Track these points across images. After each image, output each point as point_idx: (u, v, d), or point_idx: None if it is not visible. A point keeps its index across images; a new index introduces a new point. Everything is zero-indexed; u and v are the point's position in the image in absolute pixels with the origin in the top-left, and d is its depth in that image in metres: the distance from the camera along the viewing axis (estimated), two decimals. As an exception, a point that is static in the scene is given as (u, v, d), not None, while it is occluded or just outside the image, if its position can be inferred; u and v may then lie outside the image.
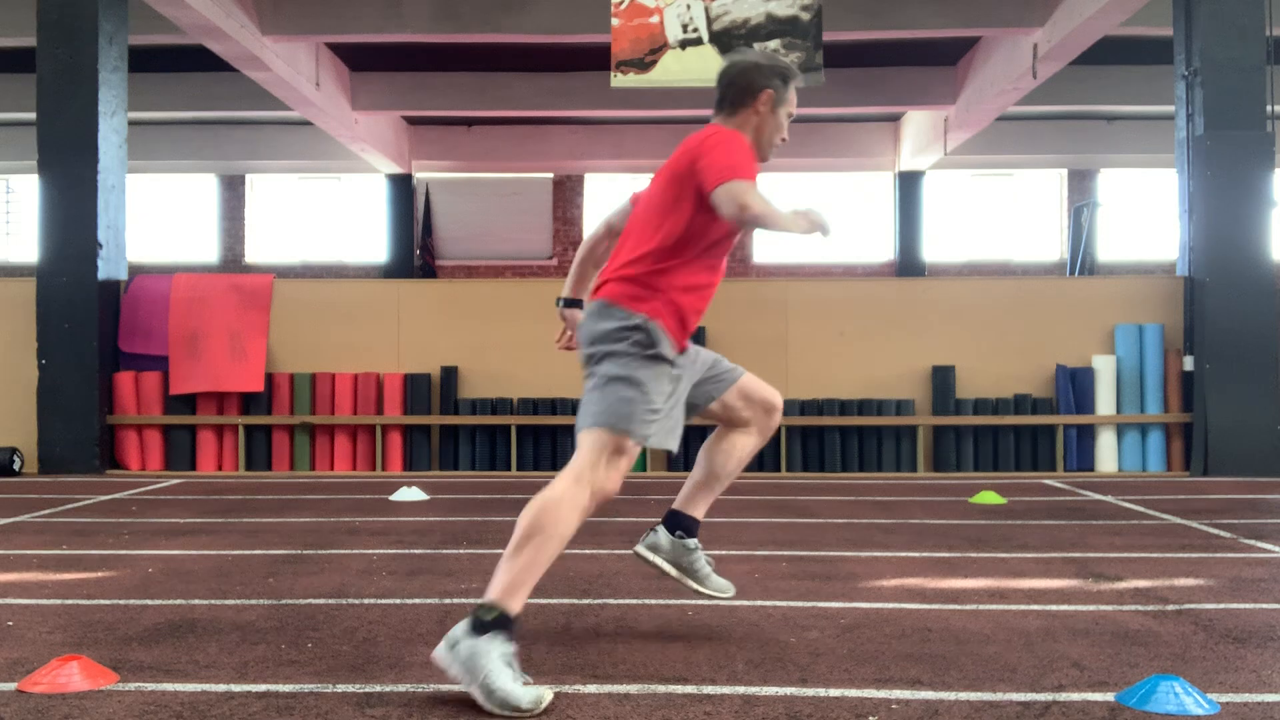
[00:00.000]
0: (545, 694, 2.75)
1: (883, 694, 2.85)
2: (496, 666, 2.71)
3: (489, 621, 2.75)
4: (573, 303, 3.59)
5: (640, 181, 19.07)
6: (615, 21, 9.75)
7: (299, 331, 9.15)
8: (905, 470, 8.85)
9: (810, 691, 2.87)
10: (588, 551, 5.03)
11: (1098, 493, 7.38)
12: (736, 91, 3.38)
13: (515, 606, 2.82)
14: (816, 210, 3.04)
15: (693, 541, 3.46)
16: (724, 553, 4.93)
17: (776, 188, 18.71)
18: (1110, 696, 2.82)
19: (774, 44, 9.67)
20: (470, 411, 8.89)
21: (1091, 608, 3.86)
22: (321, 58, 12.91)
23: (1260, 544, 5.21)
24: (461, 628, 2.77)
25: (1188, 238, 8.84)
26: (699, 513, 3.51)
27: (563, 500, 2.95)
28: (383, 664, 3.15)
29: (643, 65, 9.68)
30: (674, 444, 3.21)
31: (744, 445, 3.49)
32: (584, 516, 2.99)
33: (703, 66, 9.69)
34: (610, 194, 18.97)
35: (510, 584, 2.84)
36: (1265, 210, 8.52)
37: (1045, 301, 9.14)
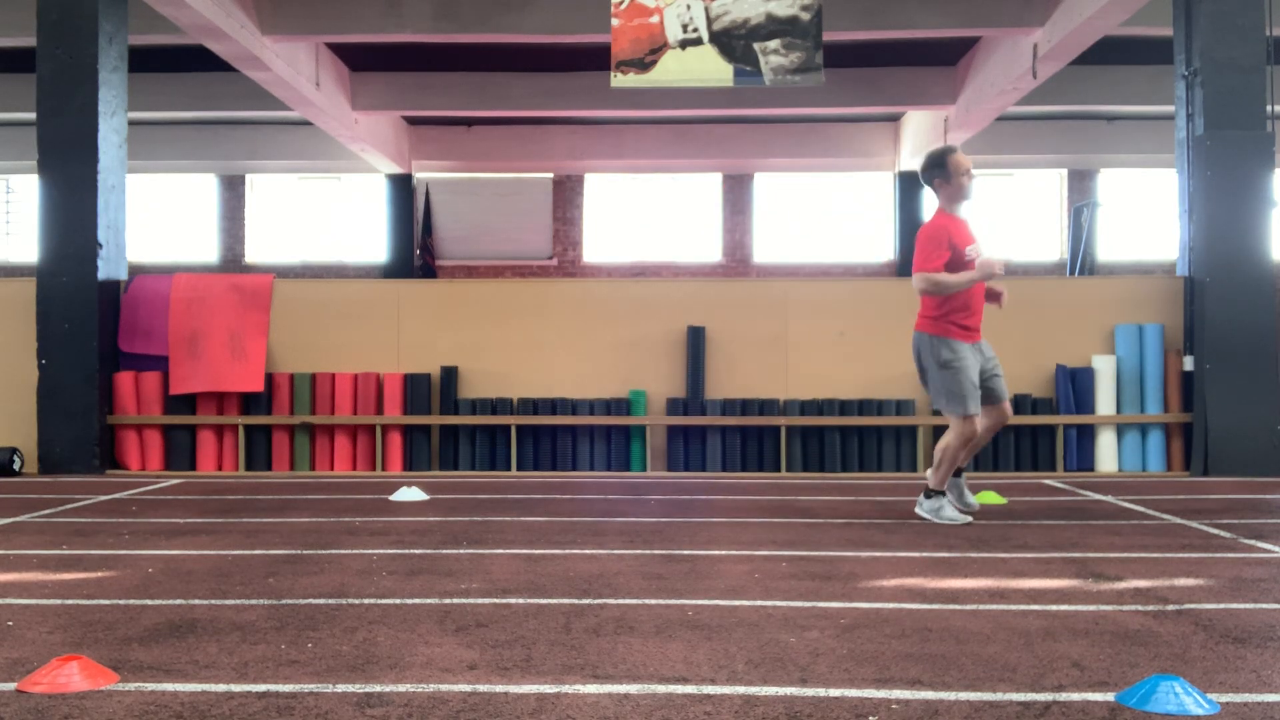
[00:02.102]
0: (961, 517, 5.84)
1: (883, 694, 2.85)
2: (948, 509, 5.83)
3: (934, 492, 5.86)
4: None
5: (641, 181, 19.14)
6: (615, 21, 9.75)
7: (299, 331, 9.15)
8: (905, 470, 8.85)
9: (810, 691, 2.87)
10: (588, 552, 5.03)
11: (1098, 493, 7.38)
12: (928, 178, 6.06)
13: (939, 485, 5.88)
14: (992, 260, 5.61)
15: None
16: (724, 553, 4.93)
17: (777, 188, 18.73)
18: (1110, 696, 2.82)
19: (774, 43, 9.68)
20: (470, 411, 8.89)
21: (1091, 608, 3.86)
22: (321, 58, 12.92)
23: (1260, 544, 5.21)
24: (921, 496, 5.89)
25: (1188, 238, 8.84)
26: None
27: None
28: (383, 664, 3.15)
29: (643, 65, 9.68)
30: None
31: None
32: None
33: (703, 66, 9.69)
34: (610, 194, 18.97)
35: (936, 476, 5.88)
36: (1265, 210, 8.52)
37: (1045, 301, 9.14)
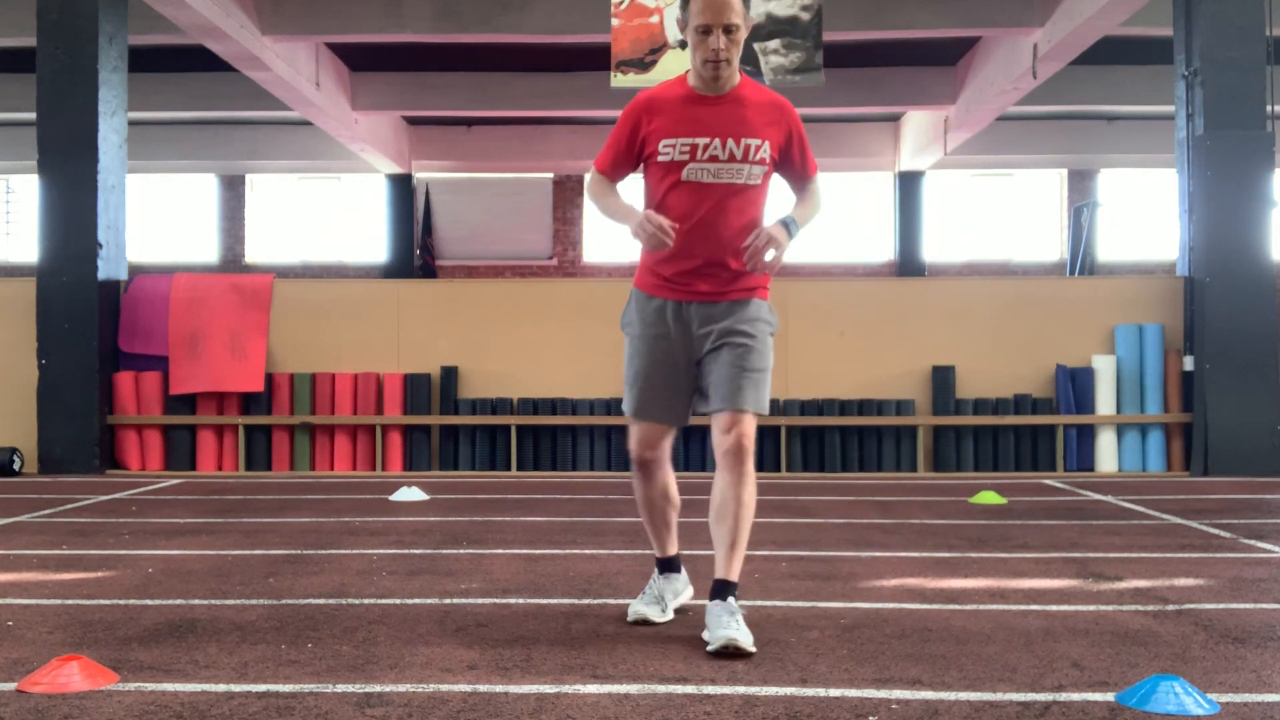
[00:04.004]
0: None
1: (883, 694, 2.85)
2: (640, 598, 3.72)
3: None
4: None
5: (640, 182, 19.03)
6: (615, 21, 9.76)
7: (299, 331, 9.15)
8: (905, 470, 8.85)
9: (810, 691, 2.87)
10: (588, 552, 5.03)
11: (1098, 493, 7.38)
12: None
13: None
14: (648, 222, 3.27)
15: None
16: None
17: (777, 188, 18.69)
18: (1110, 696, 2.82)
19: (774, 44, 9.68)
20: (470, 411, 8.89)
21: (1091, 608, 3.86)
22: (321, 58, 12.91)
23: (1260, 544, 5.21)
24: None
25: (1188, 238, 8.84)
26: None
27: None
28: (383, 664, 3.15)
29: (643, 65, 9.69)
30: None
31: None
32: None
33: (703, 66, 9.69)
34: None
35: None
36: (1265, 210, 8.52)
37: (1045, 301, 9.14)
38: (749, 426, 3.34)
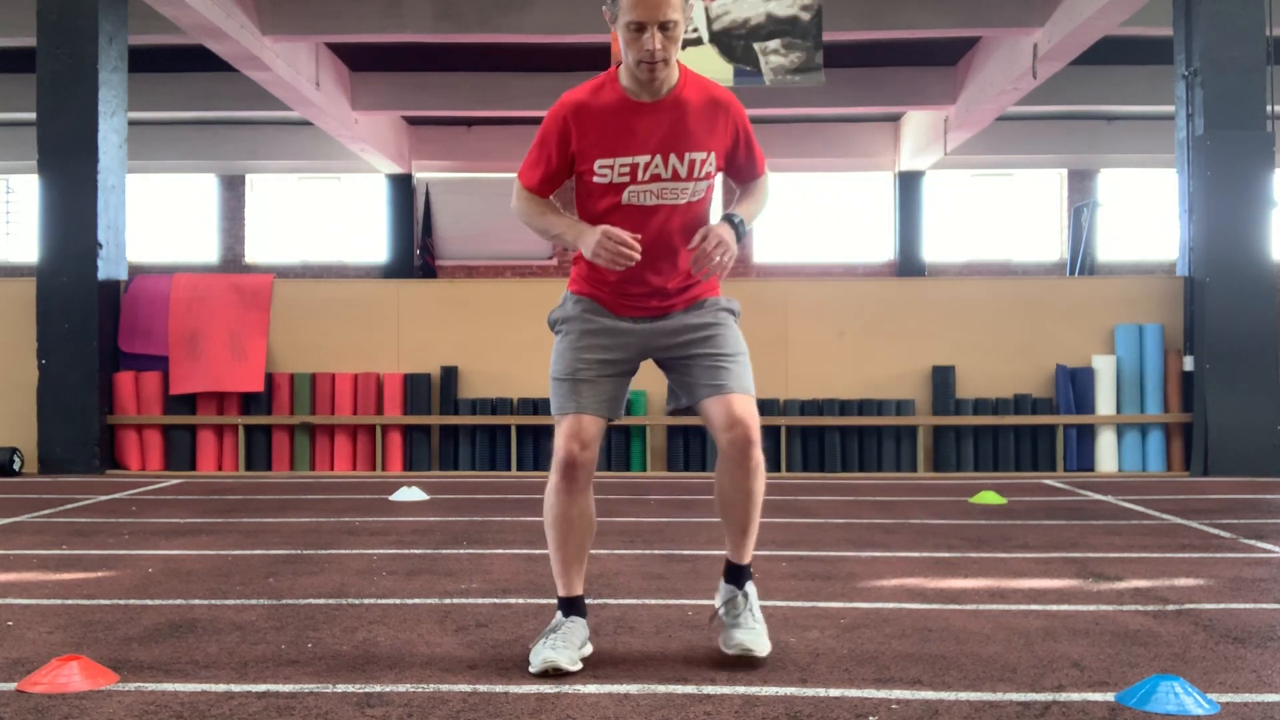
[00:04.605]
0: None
1: (883, 694, 2.85)
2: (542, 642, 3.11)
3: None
4: None
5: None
6: (615, 21, 9.75)
7: (299, 331, 9.15)
8: (905, 470, 8.85)
9: (810, 691, 2.87)
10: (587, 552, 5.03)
11: (1098, 493, 7.38)
12: None
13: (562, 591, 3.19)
14: (608, 238, 2.90)
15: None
16: (724, 553, 4.92)
17: (777, 188, 18.70)
18: (1110, 696, 2.82)
19: (774, 44, 9.67)
20: (470, 411, 8.89)
21: (1091, 608, 3.86)
22: (321, 58, 12.91)
23: (1260, 544, 5.21)
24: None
25: (1188, 238, 8.84)
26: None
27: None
28: (383, 664, 3.15)
29: (643, 65, 9.68)
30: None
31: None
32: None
33: (703, 66, 9.68)
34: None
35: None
36: (1265, 210, 8.52)
37: (1045, 301, 9.14)
38: (746, 412, 3.01)
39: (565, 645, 3.03)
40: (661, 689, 2.89)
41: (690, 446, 8.86)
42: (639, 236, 2.95)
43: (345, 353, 9.12)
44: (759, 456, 3.04)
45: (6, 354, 8.96)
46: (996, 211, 18.50)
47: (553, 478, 3.07)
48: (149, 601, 3.98)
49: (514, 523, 5.99)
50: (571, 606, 3.14)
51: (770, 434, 8.83)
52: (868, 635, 3.45)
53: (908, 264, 17.37)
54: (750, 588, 3.21)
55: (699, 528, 5.75)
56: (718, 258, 2.94)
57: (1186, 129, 8.80)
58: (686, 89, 2.99)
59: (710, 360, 3.08)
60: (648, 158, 2.96)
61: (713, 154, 3.00)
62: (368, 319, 9.18)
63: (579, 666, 3.04)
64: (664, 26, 2.82)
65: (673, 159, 2.97)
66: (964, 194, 18.48)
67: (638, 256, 2.92)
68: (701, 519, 6.09)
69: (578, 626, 3.11)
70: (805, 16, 9.69)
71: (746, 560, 3.20)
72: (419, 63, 14.04)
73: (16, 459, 8.63)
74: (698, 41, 9.70)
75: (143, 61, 12.27)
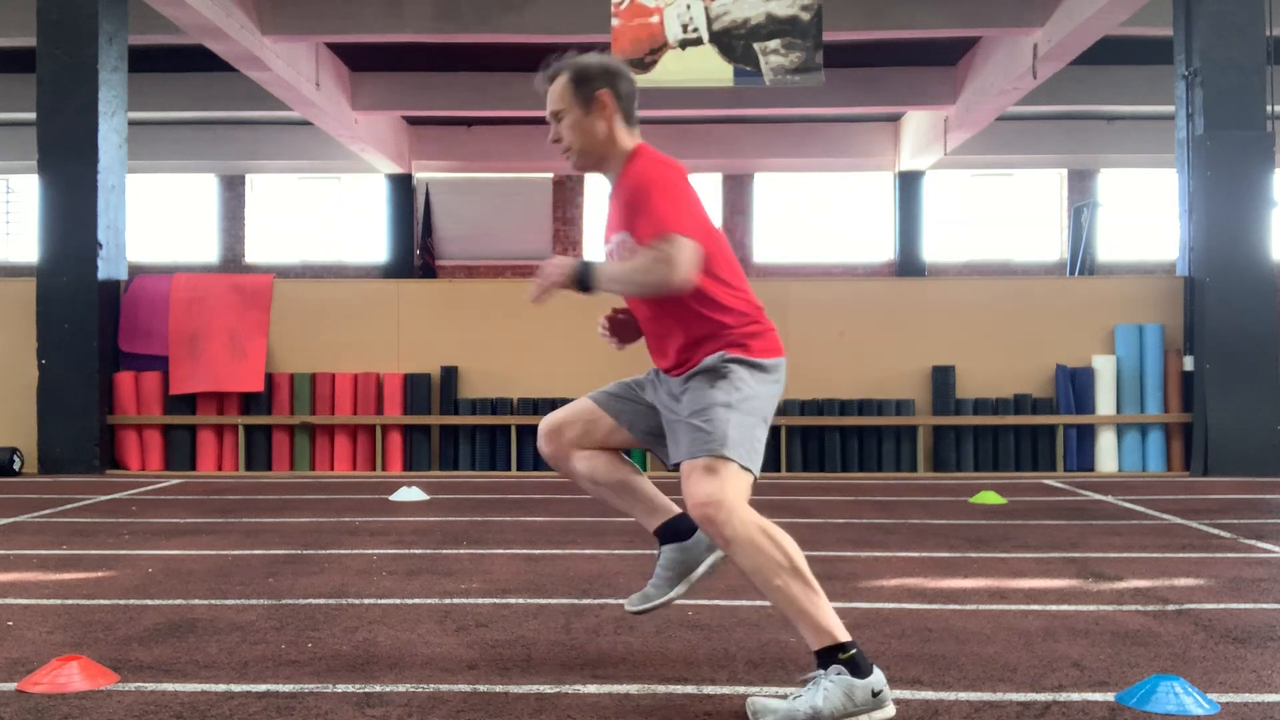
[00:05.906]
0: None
1: (883, 694, 2.84)
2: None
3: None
4: None
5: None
6: (615, 21, 9.75)
7: (299, 331, 9.15)
8: (905, 470, 8.85)
9: (810, 691, 2.86)
10: (588, 552, 5.03)
11: (1098, 493, 7.38)
12: None
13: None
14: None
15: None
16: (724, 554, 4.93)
17: (778, 188, 18.71)
18: (1110, 696, 2.82)
19: (774, 43, 9.67)
20: (470, 411, 8.89)
21: (1091, 608, 3.86)
22: (321, 58, 12.91)
23: (1260, 544, 5.21)
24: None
25: (1188, 238, 8.84)
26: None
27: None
28: (383, 664, 3.15)
29: (643, 65, 9.68)
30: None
31: None
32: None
33: (703, 67, 9.69)
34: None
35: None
36: (1265, 210, 8.52)
37: (1045, 301, 9.14)
38: (699, 487, 2.70)
39: (666, 583, 3.02)
40: (661, 689, 2.89)
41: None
42: (618, 317, 3.09)
43: (345, 353, 9.12)
44: (732, 531, 2.68)
45: (6, 354, 8.96)
46: (996, 211, 18.50)
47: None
48: (149, 601, 3.98)
49: (514, 523, 5.99)
50: (663, 534, 3.08)
51: (770, 434, 8.82)
52: (868, 635, 3.45)
53: (908, 264, 17.36)
54: (835, 675, 2.64)
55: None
56: (537, 280, 2.82)
57: (1186, 129, 8.80)
58: (626, 173, 2.90)
59: (673, 420, 2.90)
60: (610, 245, 2.96)
61: (629, 235, 2.83)
62: (368, 319, 9.18)
63: (679, 591, 3.01)
64: (556, 116, 2.98)
65: (615, 240, 2.91)
66: (964, 194, 18.48)
67: (602, 334, 3.08)
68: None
69: (676, 552, 3.04)
70: (805, 16, 9.69)
71: (815, 645, 2.68)
72: (419, 63, 14.04)
73: (16, 459, 8.63)
74: (698, 41, 9.70)
75: (143, 61, 12.27)
